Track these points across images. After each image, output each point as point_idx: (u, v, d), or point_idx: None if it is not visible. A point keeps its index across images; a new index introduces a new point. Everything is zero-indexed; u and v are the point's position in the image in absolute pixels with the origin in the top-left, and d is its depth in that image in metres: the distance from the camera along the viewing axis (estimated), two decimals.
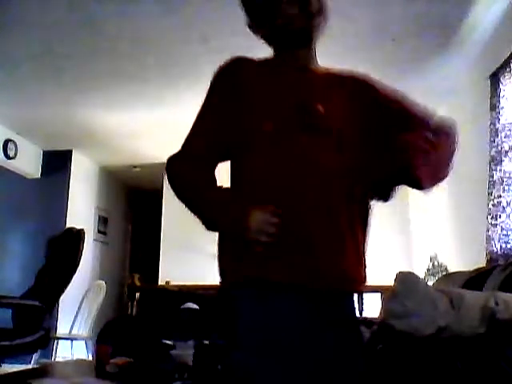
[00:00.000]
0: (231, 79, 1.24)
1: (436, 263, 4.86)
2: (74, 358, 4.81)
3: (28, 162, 5.84)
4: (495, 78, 3.17)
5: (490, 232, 3.06)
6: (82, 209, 6.29)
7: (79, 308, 5.20)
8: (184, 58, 3.88)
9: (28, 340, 3.26)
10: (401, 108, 1.33)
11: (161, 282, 5.87)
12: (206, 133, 1.24)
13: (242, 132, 1.19)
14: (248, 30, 1.33)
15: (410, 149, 1.16)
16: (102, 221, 6.92)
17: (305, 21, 1.25)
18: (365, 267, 1.18)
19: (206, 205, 1.19)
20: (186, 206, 1.20)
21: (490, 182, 3.12)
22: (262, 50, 1.31)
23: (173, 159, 1.24)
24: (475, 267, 2.63)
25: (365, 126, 1.25)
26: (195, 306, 2.94)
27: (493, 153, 3.11)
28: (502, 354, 1.19)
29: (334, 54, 3.78)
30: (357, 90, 1.31)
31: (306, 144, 1.17)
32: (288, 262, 1.08)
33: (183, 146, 1.24)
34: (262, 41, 1.32)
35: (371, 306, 3.89)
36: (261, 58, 1.31)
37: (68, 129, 5.43)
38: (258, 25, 1.31)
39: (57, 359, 5.05)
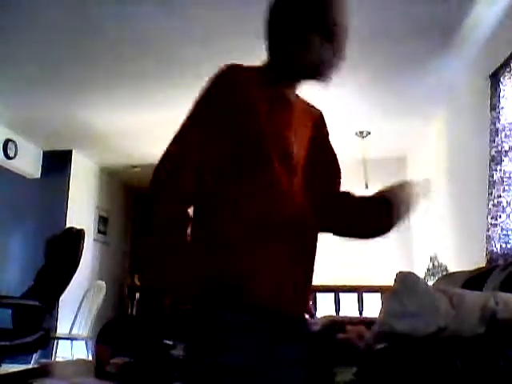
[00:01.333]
0: (229, 95, 1.16)
1: (436, 263, 4.86)
2: (74, 358, 4.82)
3: (28, 162, 5.84)
4: (495, 78, 3.17)
5: (490, 232, 3.06)
6: (82, 209, 6.29)
7: (79, 308, 5.20)
8: (184, 59, 3.88)
9: (28, 340, 3.26)
10: (333, 163, 1.41)
11: None
12: (196, 161, 1.16)
13: (231, 158, 1.16)
14: (264, 32, 1.26)
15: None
16: (102, 221, 6.92)
17: (330, 67, 1.24)
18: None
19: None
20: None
21: (490, 181, 3.12)
22: (261, 53, 1.30)
23: (160, 195, 1.16)
24: (475, 267, 2.63)
25: (311, 159, 1.31)
26: None
27: (493, 153, 3.10)
28: (502, 354, 1.19)
29: None
30: (318, 125, 1.36)
31: (288, 186, 1.20)
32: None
33: (171, 176, 1.16)
34: (263, 46, 1.29)
35: (371, 306, 3.90)
36: (255, 71, 1.24)
37: (68, 129, 5.43)
38: (285, 42, 1.23)
39: (57, 359, 5.04)
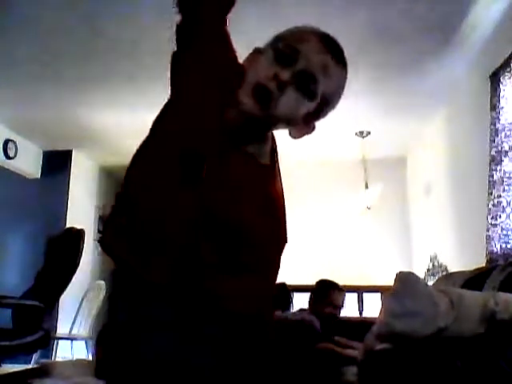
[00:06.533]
0: None
1: (436, 263, 4.86)
2: (74, 358, 4.81)
3: (28, 162, 5.84)
4: (495, 78, 3.17)
5: (490, 232, 3.06)
6: (81, 209, 6.29)
7: (79, 308, 5.20)
8: None
9: (28, 340, 3.26)
10: None
11: None
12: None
13: None
14: None
15: None
16: (102, 221, 6.92)
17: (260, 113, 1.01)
18: None
19: None
20: None
21: (490, 181, 3.12)
22: None
23: None
24: (475, 267, 2.63)
25: None
26: None
27: (493, 153, 3.11)
28: (502, 354, 1.19)
29: None
30: None
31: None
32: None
33: None
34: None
35: (371, 306, 3.90)
36: None
37: (68, 129, 5.43)
38: None
39: (57, 359, 5.05)
